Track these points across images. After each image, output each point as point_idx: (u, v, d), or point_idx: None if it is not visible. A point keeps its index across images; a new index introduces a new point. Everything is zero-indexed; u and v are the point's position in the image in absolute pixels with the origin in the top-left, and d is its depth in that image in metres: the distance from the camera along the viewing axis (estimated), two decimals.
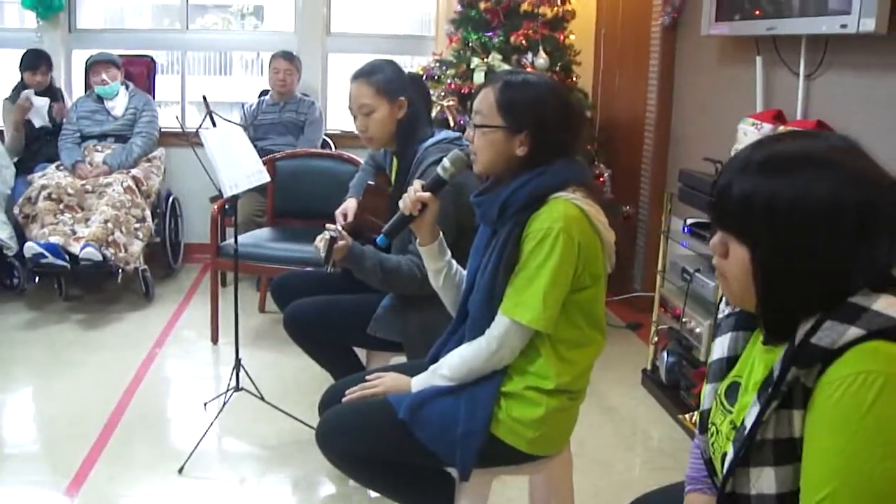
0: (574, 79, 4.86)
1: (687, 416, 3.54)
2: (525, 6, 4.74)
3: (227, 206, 4.33)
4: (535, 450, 2.18)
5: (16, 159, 5.39)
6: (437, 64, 4.94)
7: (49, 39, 5.84)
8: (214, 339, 4.51)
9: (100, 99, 5.38)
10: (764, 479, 1.33)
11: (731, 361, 1.55)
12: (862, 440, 1.19)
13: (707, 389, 1.58)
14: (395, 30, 6.68)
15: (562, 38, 4.82)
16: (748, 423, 1.34)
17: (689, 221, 3.67)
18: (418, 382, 2.26)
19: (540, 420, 2.12)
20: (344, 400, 2.33)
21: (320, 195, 4.30)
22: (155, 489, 3.05)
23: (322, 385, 2.76)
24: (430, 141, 2.90)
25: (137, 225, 4.98)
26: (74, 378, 3.99)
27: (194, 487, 3.08)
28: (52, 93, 5.53)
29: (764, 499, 1.34)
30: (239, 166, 3.33)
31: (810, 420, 1.27)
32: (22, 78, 5.45)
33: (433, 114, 4.37)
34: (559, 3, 4.83)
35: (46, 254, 4.58)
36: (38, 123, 5.44)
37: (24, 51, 5.49)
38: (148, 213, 5.12)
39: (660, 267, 3.96)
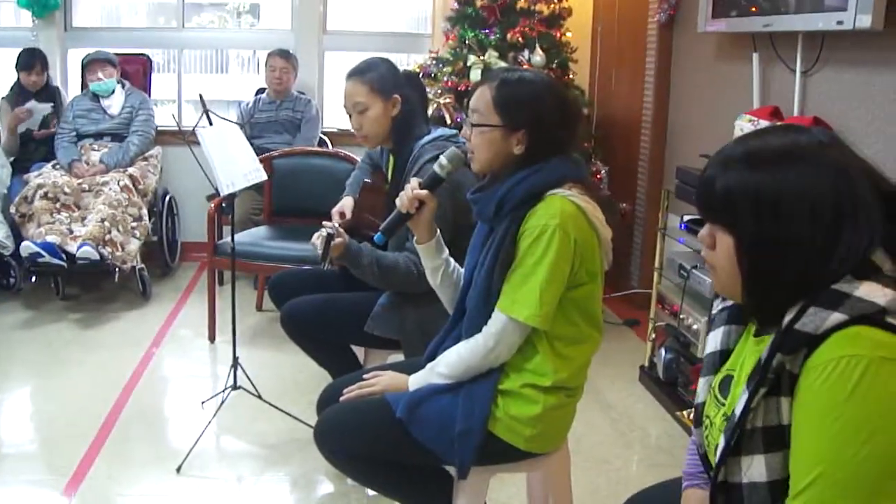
0: (571, 76, 4.86)
1: (685, 412, 3.55)
2: (522, 3, 4.75)
3: (223, 205, 4.33)
4: (532, 447, 2.17)
5: (12, 158, 5.38)
6: (434, 61, 4.93)
7: (45, 38, 5.83)
8: (212, 338, 4.51)
9: (96, 97, 5.37)
10: (755, 467, 1.35)
11: (724, 355, 1.57)
12: (846, 423, 1.21)
13: (701, 383, 1.61)
14: (391, 27, 6.67)
15: (558, 35, 4.82)
16: (738, 412, 1.37)
17: (686, 218, 3.67)
18: (416, 381, 2.25)
19: (537, 417, 2.12)
20: (342, 399, 2.33)
21: (317, 193, 4.31)
22: (153, 488, 3.05)
23: (320, 383, 2.76)
24: (427, 138, 2.89)
25: (134, 224, 4.98)
26: (72, 377, 3.99)
27: (192, 486, 3.08)
28: (49, 93, 5.52)
29: (755, 487, 1.36)
30: (235, 164, 3.33)
31: (796, 405, 1.30)
32: (18, 78, 5.44)
33: (430, 111, 4.37)
34: (556, 0, 4.83)
35: (43, 253, 4.57)
36: (36, 129, 5.44)
37: (20, 50, 5.48)
38: (145, 211, 5.11)
39: (657, 264, 3.96)
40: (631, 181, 5.30)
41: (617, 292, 5.26)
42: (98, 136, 5.34)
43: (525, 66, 4.47)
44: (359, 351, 3.23)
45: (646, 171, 5.16)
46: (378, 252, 2.71)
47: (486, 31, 4.70)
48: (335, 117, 6.10)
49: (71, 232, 4.77)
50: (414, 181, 2.26)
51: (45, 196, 4.86)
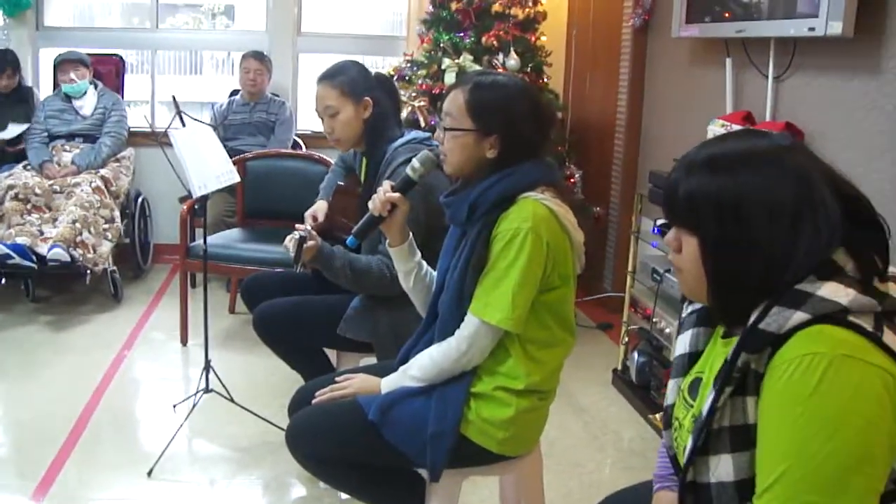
0: (545, 80, 4.88)
1: (657, 415, 3.56)
2: (496, 7, 4.75)
3: (196, 207, 4.29)
4: (505, 450, 2.18)
5: None
6: (409, 64, 4.93)
7: (16, 37, 5.78)
8: (184, 341, 4.48)
9: (68, 98, 5.33)
10: (722, 467, 1.37)
11: (693, 357, 1.59)
12: (809, 419, 1.22)
13: (671, 385, 1.63)
14: (366, 30, 6.67)
15: (533, 39, 4.84)
16: (705, 411, 1.38)
17: (659, 222, 3.69)
18: (388, 383, 2.25)
19: (510, 420, 2.13)
20: (314, 401, 2.32)
21: (291, 196, 4.30)
22: (124, 492, 3.03)
23: (292, 386, 2.75)
24: (400, 141, 2.89)
25: (106, 225, 4.94)
26: (42, 380, 3.95)
27: (164, 490, 3.05)
28: (22, 94, 5.47)
29: (723, 486, 1.37)
30: (208, 166, 3.31)
31: (761, 404, 1.31)
32: None
33: (404, 114, 4.37)
34: (531, 4, 4.84)
35: (13, 255, 4.52)
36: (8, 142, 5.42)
37: None
38: (117, 213, 5.07)
39: (630, 267, 3.98)
40: (604, 185, 5.31)
41: (590, 296, 5.27)
42: (70, 136, 5.29)
43: (499, 70, 4.48)
44: (331, 354, 3.22)
45: (619, 175, 5.18)
46: (351, 255, 2.70)
47: (461, 34, 4.71)
48: (309, 120, 6.08)
49: (42, 233, 4.72)
50: (386, 184, 2.26)
51: (15, 197, 4.81)
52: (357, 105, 2.93)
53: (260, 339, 3.09)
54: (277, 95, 5.78)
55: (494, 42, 4.66)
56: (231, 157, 3.56)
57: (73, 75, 5.24)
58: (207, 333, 3.46)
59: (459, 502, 2.36)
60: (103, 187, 5.01)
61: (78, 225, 4.71)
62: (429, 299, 2.34)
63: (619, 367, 4.12)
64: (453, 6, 4.76)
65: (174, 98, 3.50)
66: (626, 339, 4.08)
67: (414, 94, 4.68)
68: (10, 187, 4.84)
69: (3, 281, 5.16)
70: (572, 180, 4.77)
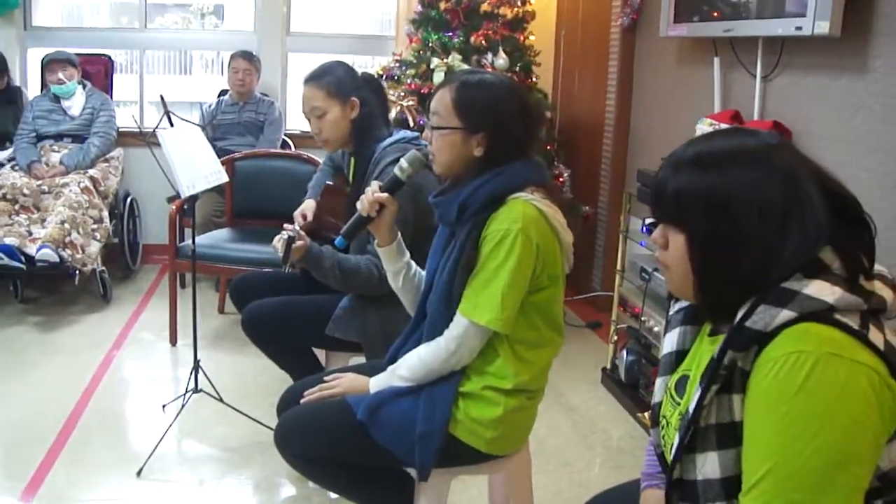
0: (534, 79, 4.88)
1: (646, 414, 3.57)
2: (485, 7, 4.76)
3: (185, 207, 4.30)
4: (493, 449, 2.18)
5: None
6: (397, 64, 4.93)
7: (4, 37, 5.76)
8: (173, 341, 4.47)
9: (56, 98, 5.31)
10: (709, 464, 1.37)
11: (680, 355, 1.60)
12: (795, 417, 1.23)
13: (658, 383, 1.64)
14: (355, 30, 6.66)
15: (522, 38, 4.84)
16: (691, 409, 1.38)
17: (647, 221, 3.70)
18: (377, 383, 2.25)
19: (498, 420, 2.13)
20: (302, 401, 2.32)
21: (279, 196, 4.29)
22: (113, 492, 3.02)
23: (281, 386, 2.75)
24: (388, 141, 2.89)
25: (95, 226, 4.92)
26: (31, 381, 3.94)
27: (153, 490, 3.05)
28: (10, 95, 5.46)
29: (710, 483, 1.37)
30: (196, 166, 3.31)
31: (748, 402, 1.31)
32: None
33: (393, 114, 4.37)
34: (519, 3, 4.84)
35: (2, 255, 4.50)
36: None
37: None
38: (105, 213, 5.06)
39: (619, 266, 3.98)
40: (593, 184, 5.32)
41: (579, 295, 5.29)
42: (58, 137, 5.28)
43: (488, 69, 4.47)
44: (320, 353, 3.22)
45: (608, 175, 5.19)
46: (339, 255, 2.70)
47: (450, 34, 4.71)
48: (298, 119, 6.05)
49: (30, 234, 4.71)
50: (375, 184, 2.27)
51: (3, 197, 4.80)
52: (344, 105, 2.93)
53: (249, 338, 3.09)
54: (266, 95, 5.78)
55: (483, 42, 4.67)
56: (220, 157, 3.56)
57: (61, 75, 5.22)
58: (196, 333, 3.46)
59: (448, 502, 2.37)
60: (92, 187, 5.00)
61: (67, 225, 4.69)
62: (417, 299, 2.34)
63: (608, 366, 4.13)
64: (442, 6, 4.77)
65: (162, 98, 3.49)
66: (615, 337, 4.09)
67: (403, 94, 4.68)
68: None
69: None
70: (561, 179, 4.77)
